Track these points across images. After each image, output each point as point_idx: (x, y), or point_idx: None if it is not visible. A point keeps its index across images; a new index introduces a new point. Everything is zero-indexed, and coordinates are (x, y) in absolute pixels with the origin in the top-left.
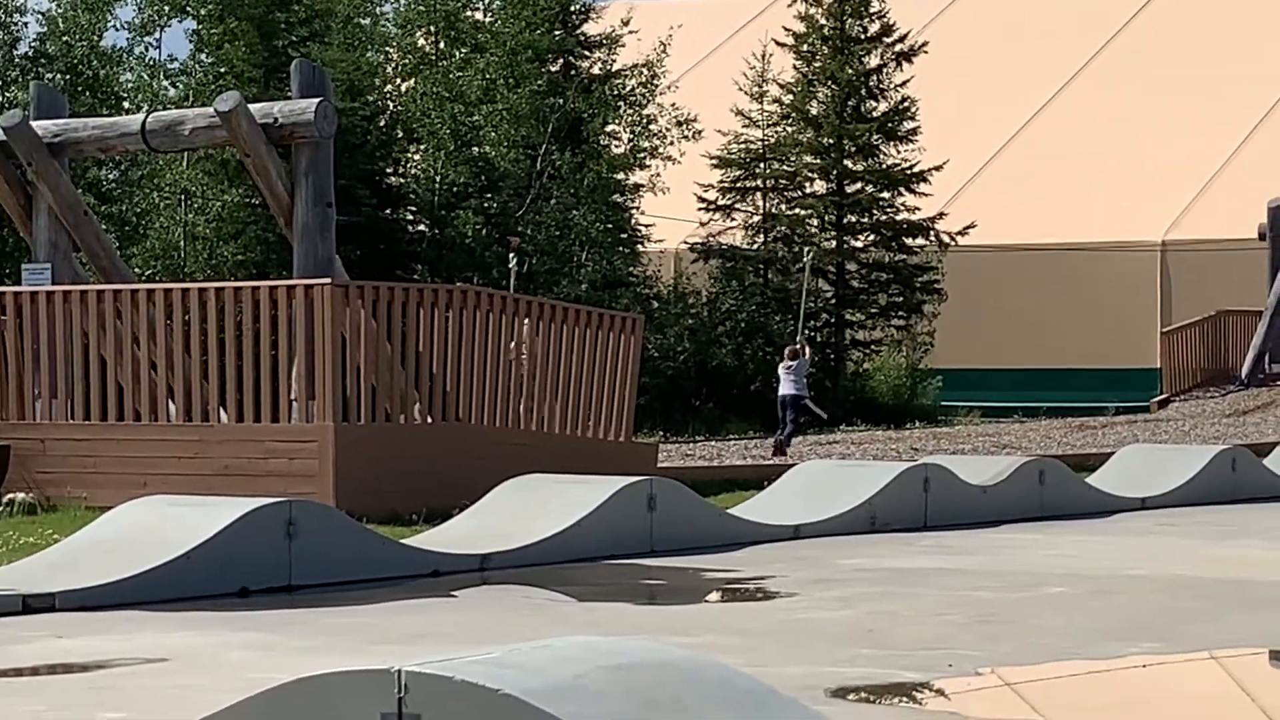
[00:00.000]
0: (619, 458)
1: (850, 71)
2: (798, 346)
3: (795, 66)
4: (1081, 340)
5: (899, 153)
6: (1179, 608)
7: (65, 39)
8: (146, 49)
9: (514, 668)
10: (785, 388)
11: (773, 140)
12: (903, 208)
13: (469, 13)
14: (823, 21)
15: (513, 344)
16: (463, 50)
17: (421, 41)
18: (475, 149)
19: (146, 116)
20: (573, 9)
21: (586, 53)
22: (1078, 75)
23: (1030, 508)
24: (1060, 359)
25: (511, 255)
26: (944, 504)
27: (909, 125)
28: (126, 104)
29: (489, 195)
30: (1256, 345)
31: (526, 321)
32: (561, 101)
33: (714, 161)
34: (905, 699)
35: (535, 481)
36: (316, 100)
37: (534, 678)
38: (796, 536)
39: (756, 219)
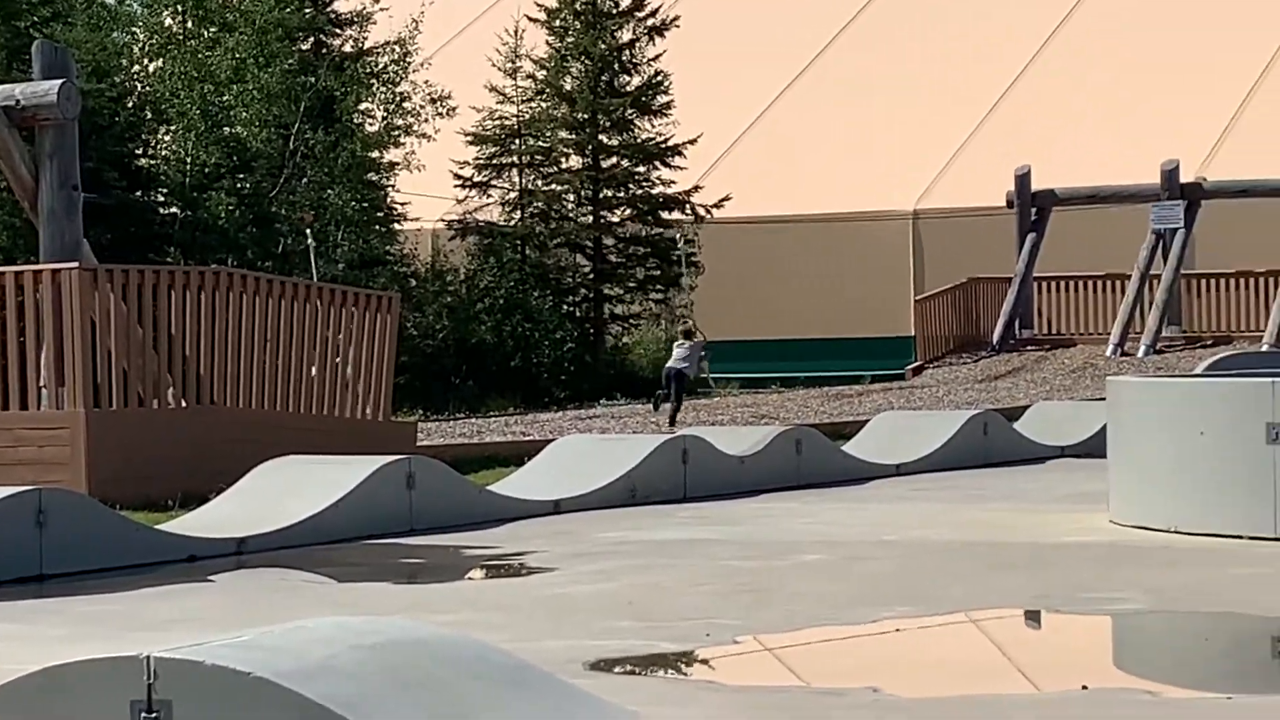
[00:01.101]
0: (378, 437)
1: (603, 46)
2: (690, 326)
3: (548, 42)
4: (837, 310)
5: (653, 127)
6: (933, 571)
7: None
8: None
9: (265, 650)
10: (675, 363)
11: (527, 116)
12: (658, 181)
13: None
14: None
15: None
16: (211, 29)
17: (169, 21)
18: (227, 129)
19: None
20: None
21: (338, 30)
22: (828, 46)
23: (787, 476)
24: (817, 329)
25: (307, 232)
26: (703, 475)
27: (663, 99)
28: None
29: (242, 176)
30: (1007, 311)
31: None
32: (313, 80)
33: (469, 138)
34: (664, 669)
35: (292, 463)
36: (59, 82)
37: (285, 659)
38: (556, 511)
39: (513, 195)
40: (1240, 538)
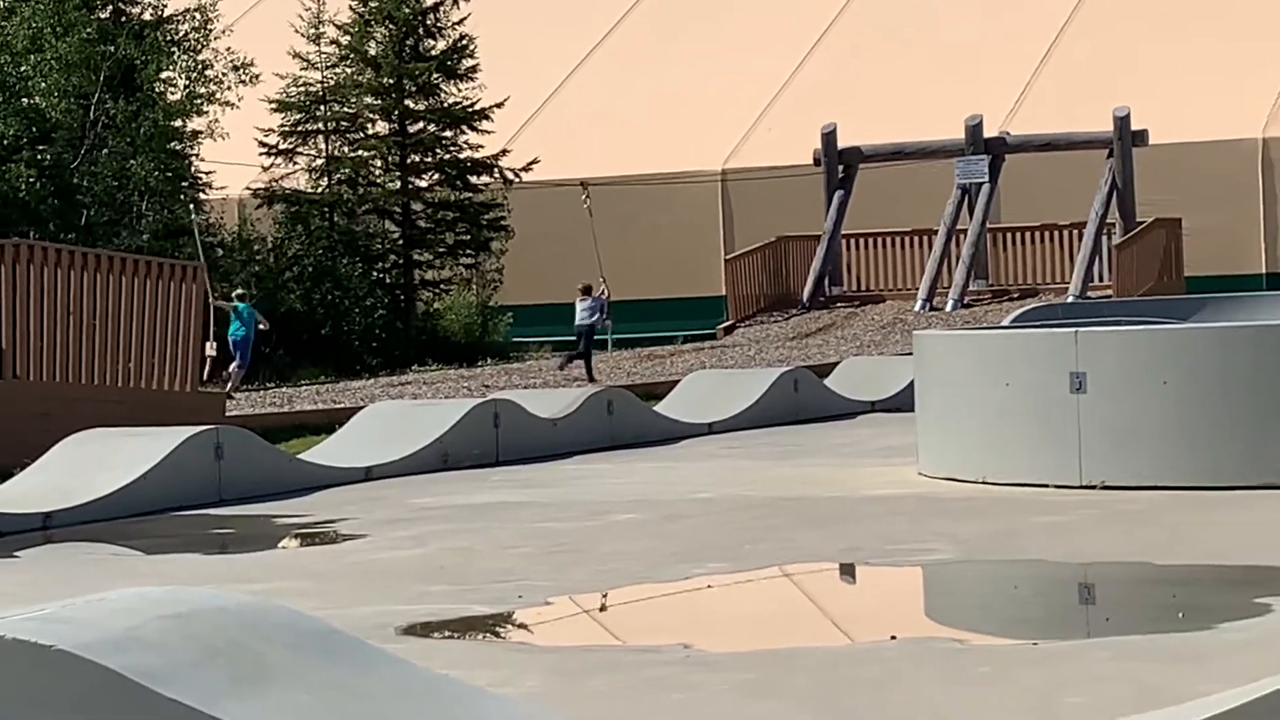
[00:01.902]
0: (186, 408)
1: (407, 10)
2: (589, 283)
3: (352, 7)
4: (648, 271)
5: (459, 91)
6: (746, 527)
7: None
8: None
9: (68, 623)
10: (580, 319)
11: (332, 82)
12: (466, 146)
13: None
14: None
15: None
16: None
17: None
18: (25, 100)
19: None
20: None
21: None
22: (634, 8)
23: (600, 438)
24: (628, 290)
25: (191, 208)
26: (515, 438)
27: (468, 63)
28: None
29: (42, 147)
30: (816, 269)
31: None
32: (113, 49)
33: (273, 106)
34: (476, 632)
35: (98, 436)
36: None
37: (88, 631)
38: (368, 478)
39: (319, 162)
40: (1046, 486)
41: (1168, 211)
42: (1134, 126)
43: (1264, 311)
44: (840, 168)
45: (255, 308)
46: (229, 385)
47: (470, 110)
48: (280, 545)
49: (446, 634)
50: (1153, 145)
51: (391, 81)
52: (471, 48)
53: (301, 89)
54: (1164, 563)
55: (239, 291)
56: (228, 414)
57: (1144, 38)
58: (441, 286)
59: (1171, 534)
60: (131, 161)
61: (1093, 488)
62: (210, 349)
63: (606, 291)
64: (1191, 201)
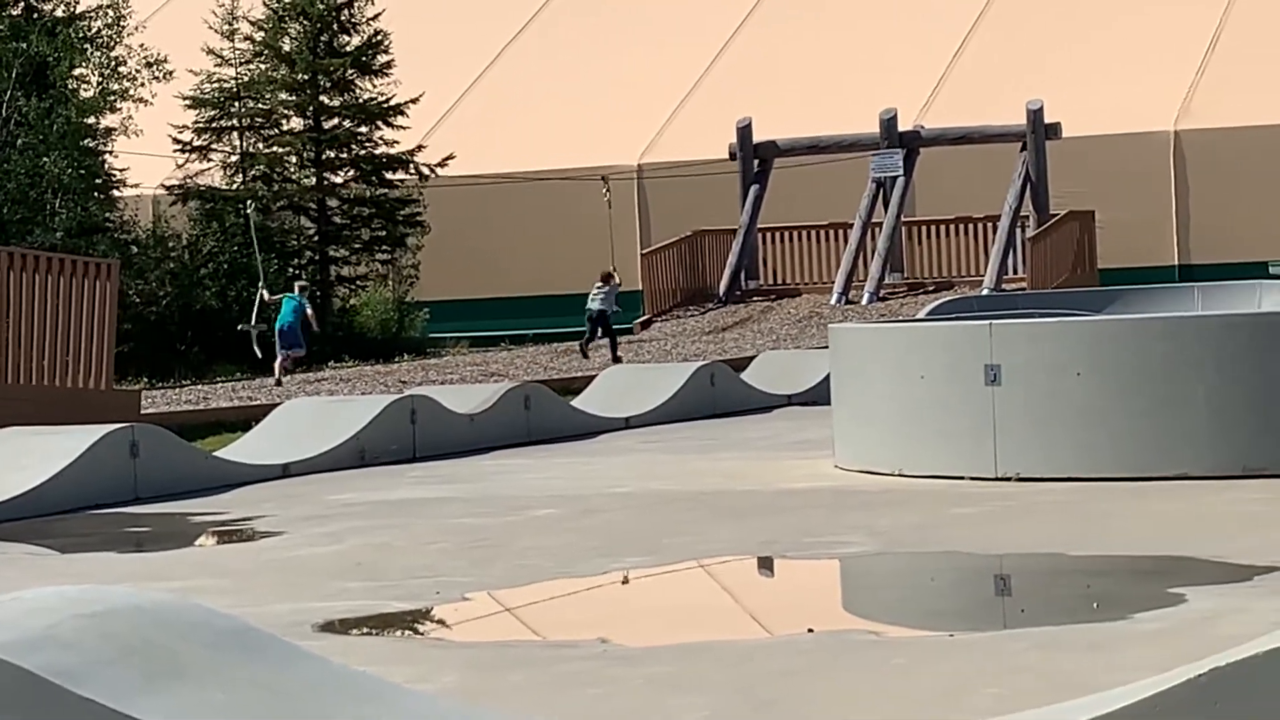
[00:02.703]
0: (100, 406)
1: (321, 6)
2: (608, 270)
3: (265, 3)
4: (565, 266)
5: (375, 87)
6: (663, 521)
7: None
8: None
9: None
10: (595, 304)
11: (247, 79)
12: (381, 142)
13: None
14: None
15: None
16: None
17: None
18: None
19: None
20: None
21: None
22: (548, 3)
23: (518, 433)
24: (544, 286)
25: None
26: (433, 434)
27: (383, 59)
28: None
29: None
30: (732, 263)
31: None
32: (24, 45)
33: (188, 102)
34: (393, 628)
35: (10, 434)
36: None
37: (4, 631)
38: (285, 475)
39: (235, 159)
40: (963, 478)
41: (1081, 204)
42: (1047, 119)
43: (1176, 303)
44: (756, 162)
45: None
46: (278, 372)
47: (385, 106)
48: (197, 543)
49: (364, 630)
50: (1066, 138)
51: (306, 78)
52: (386, 43)
53: (216, 85)
54: (1078, 553)
55: (301, 283)
56: (143, 412)
57: (1057, 30)
58: (358, 283)
59: (1086, 525)
60: (44, 159)
61: (1008, 479)
62: (252, 327)
63: (618, 280)
64: (1105, 194)
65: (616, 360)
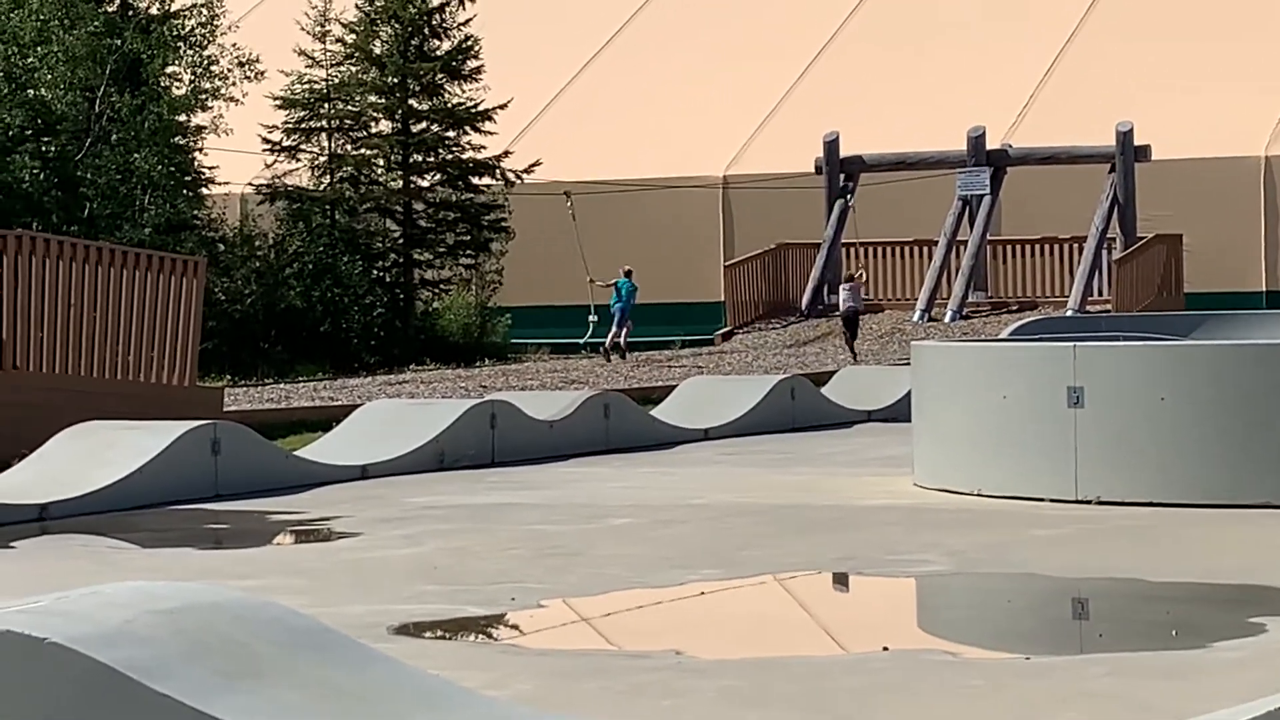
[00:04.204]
0: (183, 403)
1: (413, 10)
2: (854, 271)
3: (358, 5)
4: (648, 275)
5: (463, 91)
6: (739, 534)
7: None
8: None
9: (61, 615)
10: (845, 304)
11: (337, 80)
12: (468, 146)
13: None
14: None
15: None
16: None
17: None
18: (30, 91)
19: None
20: None
21: None
22: (639, 12)
23: (596, 441)
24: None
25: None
26: (511, 440)
27: (473, 64)
28: None
29: (46, 139)
30: (815, 277)
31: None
32: (119, 42)
33: (278, 102)
34: (468, 633)
35: (96, 428)
36: None
37: (81, 625)
38: (364, 476)
39: (322, 160)
40: (1042, 500)
41: (1168, 227)
42: (1136, 142)
43: (1263, 330)
44: (842, 176)
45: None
46: (609, 348)
47: (473, 111)
48: (274, 542)
49: (439, 634)
50: (1155, 161)
51: (396, 81)
52: (476, 49)
53: (306, 86)
54: (1158, 579)
55: (626, 268)
56: (225, 409)
57: (1148, 53)
58: (441, 286)
59: (1166, 551)
60: (135, 155)
61: (1088, 502)
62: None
63: (862, 276)
64: (1192, 218)
65: (854, 357)
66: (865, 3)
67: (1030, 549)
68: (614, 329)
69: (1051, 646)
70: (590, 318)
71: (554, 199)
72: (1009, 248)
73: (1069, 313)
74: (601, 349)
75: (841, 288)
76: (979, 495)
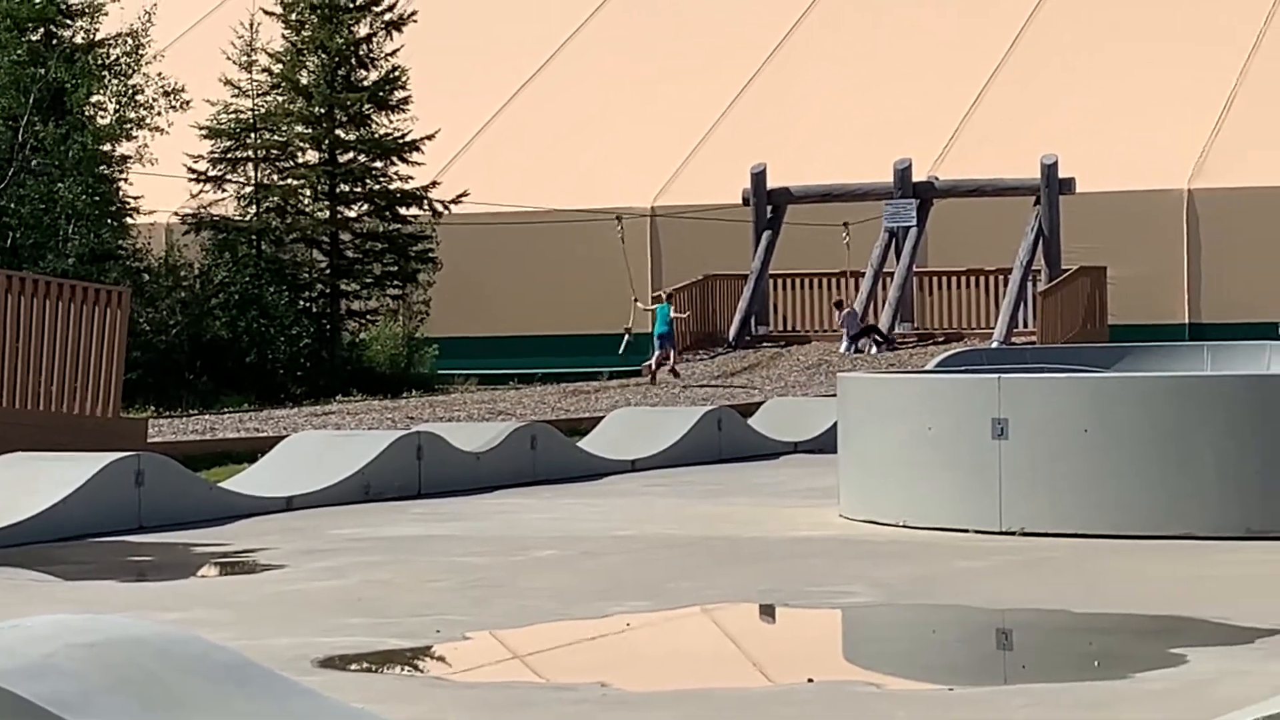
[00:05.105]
0: (107, 434)
1: (340, 40)
2: (841, 299)
3: (284, 35)
4: (575, 306)
5: (391, 122)
6: (666, 566)
7: None
8: None
9: None
10: (850, 325)
11: (263, 110)
12: (396, 177)
13: None
14: None
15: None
16: None
17: None
18: None
19: None
20: None
21: (68, 21)
22: (566, 44)
23: (523, 472)
24: (555, 325)
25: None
26: (438, 471)
27: (400, 94)
28: None
29: None
30: (742, 308)
31: None
32: (44, 71)
33: (204, 132)
34: (394, 666)
35: (18, 460)
36: None
37: (3, 658)
38: (289, 508)
39: (248, 190)
40: (966, 531)
41: (1093, 260)
42: (1061, 174)
43: (1185, 362)
44: (769, 208)
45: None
46: (664, 369)
47: (401, 142)
48: (199, 574)
49: (364, 667)
50: (1080, 193)
51: (323, 111)
52: (403, 79)
53: (232, 116)
54: (1081, 610)
55: (658, 294)
56: (150, 440)
57: (1074, 86)
58: (368, 317)
59: (1090, 582)
60: (59, 185)
61: (1013, 534)
62: (629, 336)
63: (850, 306)
64: (1117, 250)
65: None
66: (793, 35)
67: (955, 580)
68: (658, 353)
69: (975, 678)
70: (627, 339)
71: (482, 228)
72: (936, 279)
73: (994, 344)
74: (648, 373)
75: (840, 316)
76: (904, 526)
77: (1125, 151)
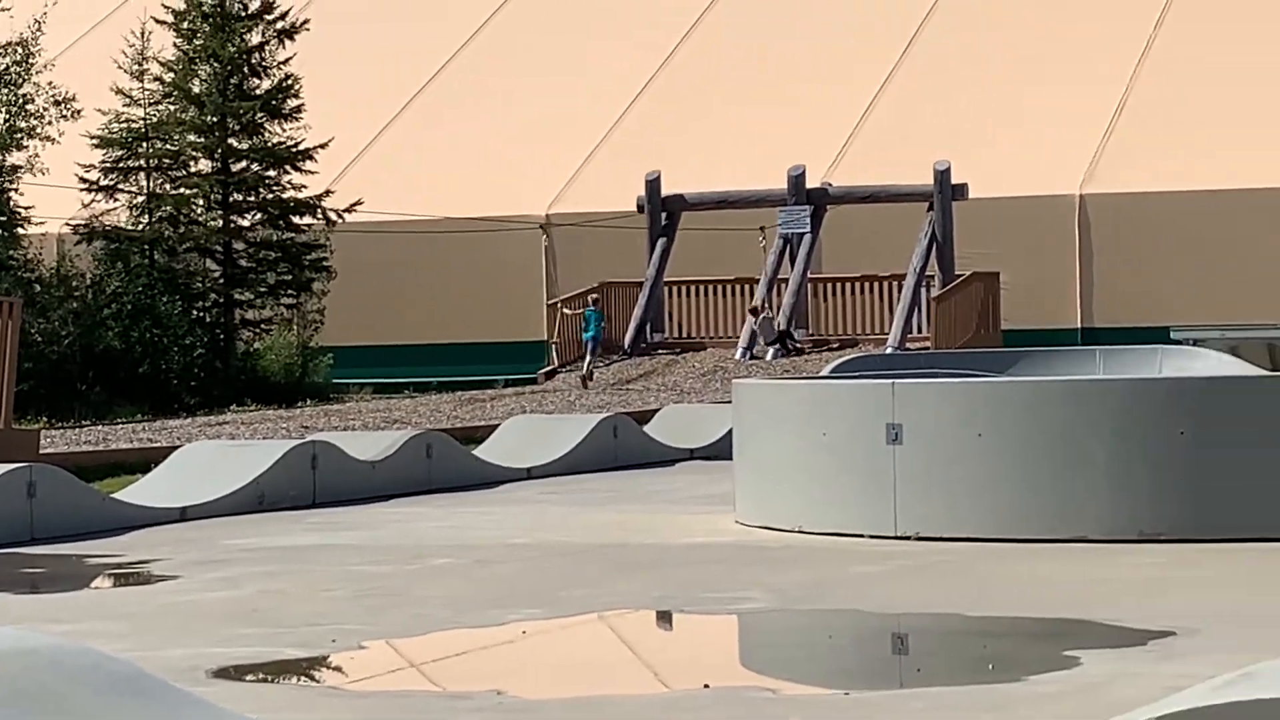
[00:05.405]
0: None
1: (232, 49)
2: (756, 304)
3: (176, 44)
4: (471, 314)
5: (284, 131)
6: (561, 573)
7: None
8: None
9: None
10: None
11: (155, 119)
12: (289, 186)
13: None
14: None
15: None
16: None
17: None
18: None
19: None
20: None
21: None
22: (459, 51)
23: (419, 481)
24: (450, 334)
25: None
26: (333, 480)
27: (293, 103)
28: None
29: None
30: (638, 316)
31: None
32: None
33: (95, 141)
34: (289, 675)
35: None
36: None
37: None
38: (184, 519)
39: (141, 199)
40: (861, 536)
41: (986, 265)
42: (954, 180)
43: (1078, 366)
44: (664, 215)
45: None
46: (585, 370)
47: (294, 150)
48: (92, 585)
49: (259, 677)
50: (972, 199)
51: (215, 120)
52: (296, 88)
53: (124, 125)
54: (976, 614)
55: (594, 297)
56: (42, 452)
57: (966, 92)
58: (262, 326)
59: (983, 585)
60: None
61: (907, 538)
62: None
63: (769, 311)
64: (1010, 256)
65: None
66: (687, 41)
67: (850, 585)
68: (589, 358)
69: (871, 682)
70: (552, 344)
71: (376, 236)
72: (830, 286)
73: (889, 350)
74: (579, 376)
75: (751, 315)
76: (800, 532)
77: (1017, 157)
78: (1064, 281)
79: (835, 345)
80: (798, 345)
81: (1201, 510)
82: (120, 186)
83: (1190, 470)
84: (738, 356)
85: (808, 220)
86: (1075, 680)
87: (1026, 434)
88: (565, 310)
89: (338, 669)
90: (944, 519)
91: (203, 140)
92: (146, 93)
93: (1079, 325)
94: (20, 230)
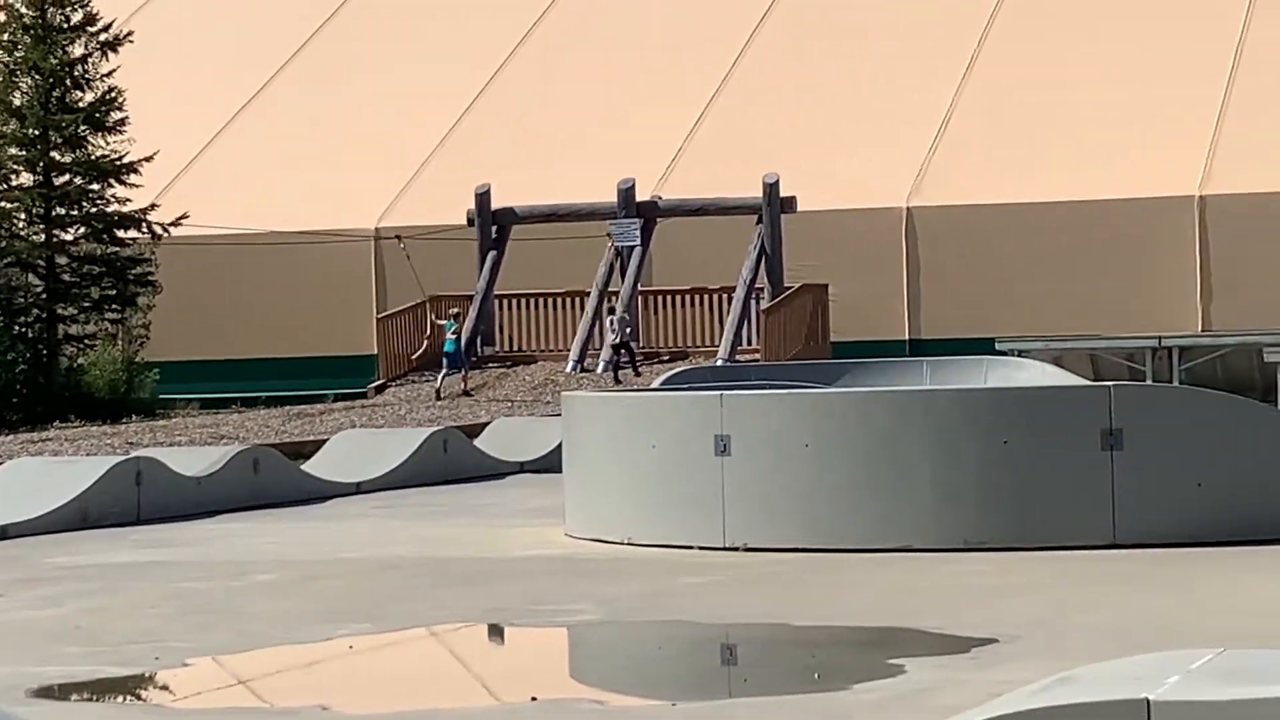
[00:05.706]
0: None
1: (54, 61)
2: (614, 305)
3: None
4: (300, 329)
5: (108, 144)
6: (390, 588)
7: None
8: None
9: None
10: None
11: None
12: (113, 199)
13: None
14: (23, 10)
15: None
16: None
17: None
18: None
19: None
20: None
21: None
22: (288, 64)
23: (245, 497)
24: (279, 348)
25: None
26: (158, 497)
27: (117, 115)
28: None
29: None
30: (468, 329)
31: None
32: None
33: None
34: (112, 694)
35: None
36: None
37: None
38: (5, 537)
39: None
40: (691, 548)
41: (815, 277)
42: (783, 193)
43: (905, 377)
44: (494, 228)
45: None
46: (451, 381)
47: (118, 164)
48: None
49: (82, 696)
50: (801, 212)
51: (37, 133)
52: (120, 100)
53: None
54: (802, 624)
55: (454, 311)
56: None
57: (795, 105)
58: (86, 342)
59: (810, 595)
60: None
61: (736, 549)
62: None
63: (625, 315)
64: (838, 268)
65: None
66: (515, 55)
67: (680, 596)
68: (446, 369)
69: (698, 692)
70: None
71: (201, 251)
72: (661, 298)
73: (719, 362)
74: (438, 391)
75: (611, 318)
76: (630, 544)
77: (845, 170)
78: (892, 294)
79: (665, 358)
80: (634, 360)
81: (1025, 519)
82: None
83: (1014, 479)
84: (569, 369)
85: (638, 233)
86: (900, 687)
87: (853, 445)
88: (438, 321)
89: (163, 687)
90: (772, 530)
91: (24, 153)
92: None
93: (907, 337)
94: None
